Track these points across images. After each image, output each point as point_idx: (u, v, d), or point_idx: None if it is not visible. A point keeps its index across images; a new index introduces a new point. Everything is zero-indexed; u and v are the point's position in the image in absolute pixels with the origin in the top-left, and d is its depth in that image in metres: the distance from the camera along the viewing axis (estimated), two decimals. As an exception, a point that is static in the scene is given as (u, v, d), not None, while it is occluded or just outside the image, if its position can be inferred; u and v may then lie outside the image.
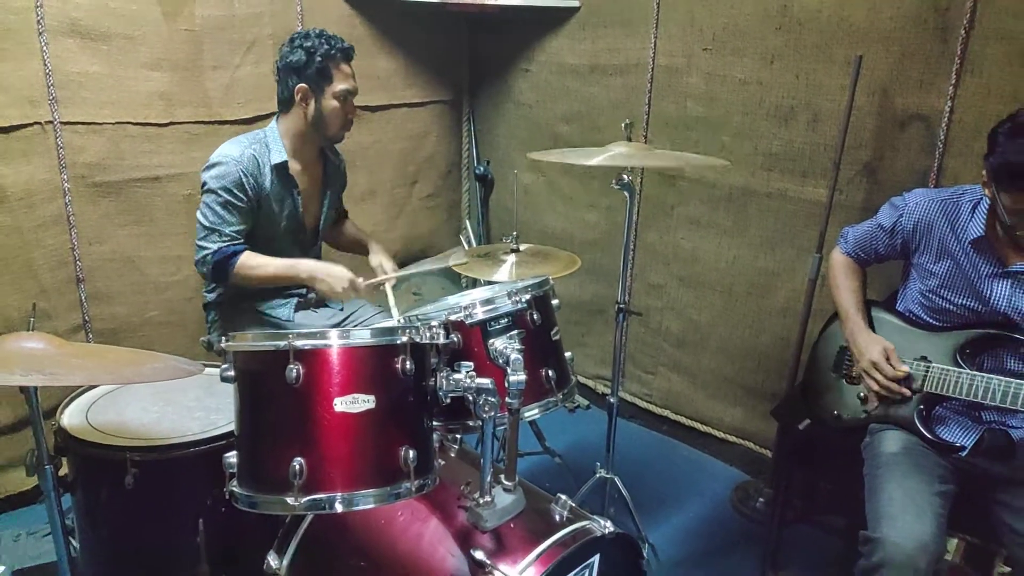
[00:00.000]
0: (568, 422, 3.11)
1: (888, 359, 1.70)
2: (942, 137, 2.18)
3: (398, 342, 1.30)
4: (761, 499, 2.57)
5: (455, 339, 1.49)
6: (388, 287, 2.07)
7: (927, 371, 1.69)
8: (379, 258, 2.26)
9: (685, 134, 2.73)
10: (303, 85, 2.00)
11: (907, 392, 1.69)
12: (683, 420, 3.05)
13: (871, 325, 1.84)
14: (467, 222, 3.49)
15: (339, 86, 2.01)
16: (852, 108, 2.23)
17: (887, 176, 2.30)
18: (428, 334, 1.37)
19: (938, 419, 1.73)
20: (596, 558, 1.50)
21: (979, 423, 1.69)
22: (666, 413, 3.10)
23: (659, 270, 2.98)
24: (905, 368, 1.69)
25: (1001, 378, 1.56)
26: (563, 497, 1.53)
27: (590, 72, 2.98)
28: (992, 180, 1.49)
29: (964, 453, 1.67)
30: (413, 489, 1.31)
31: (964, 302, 1.66)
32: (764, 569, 2.28)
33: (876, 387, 1.72)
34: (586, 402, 3.25)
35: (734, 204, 2.69)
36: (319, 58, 1.97)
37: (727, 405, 2.89)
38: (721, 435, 2.93)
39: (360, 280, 2.00)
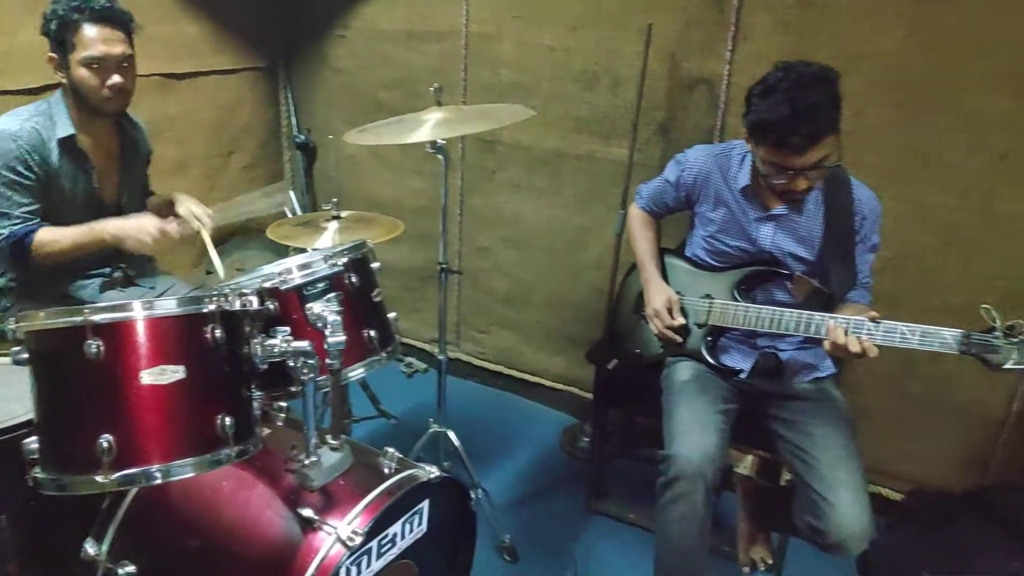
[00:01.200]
0: (406, 386, 3.19)
1: (670, 310, 1.91)
2: (723, 98, 2.43)
3: (205, 311, 1.29)
4: (586, 439, 2.78)
5: (271, 306, 1.49)
6: (205, 235, 1.99)
7: (711, 307, 1.91)
8: (187, 205, 2.06)
9: (500, 100, 2.83)
10: (51, 54, 1.86)
11: (678, 339, 1.92)
12: (515, 373, 3.21)
13: (665, 270, 2.04)
14: (291, 192, 3.42)
15: (82, 53, 1.83)
16: (646, 73, 2.43)
17: (679, 135, 2.53)
18: (239, 302, 1.36)
19: (722, 348, 1.96)
20: (425, 503, 1.58)
21: (755, 349, 1.94)
22: (500, 368, 3.25)
23: (485, 233, 3.09)
24: (680, 320, 1.91)
25: (771, 308, 1.80)
26: (391, 450, 1.59)
27: (407, 38, 3.00)
28: (749, 136, 1.70)
29: (743, 375, 1.91)
30: (233, 455, 1.31)
31: (738, 244, 1.89)
32: (588, 501, 2.48)
33: (656, 332, 1.93)
34: (424, 366, 3.33)
35: (549, 167, 2.84)
36: (55, 24, 1.81)
37: (553, 355, 3.07)
38: (549, 383, 3.12)
39: (173, 225, 1.91)
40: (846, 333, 1.60)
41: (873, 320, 1.59)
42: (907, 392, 2.41)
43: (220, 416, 1.30)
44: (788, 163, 1.65)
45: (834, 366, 1.96)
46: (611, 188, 2.69)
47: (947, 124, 2.14)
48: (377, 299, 1.69)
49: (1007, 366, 1.45)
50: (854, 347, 1.58)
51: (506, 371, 3.23)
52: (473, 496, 1.74)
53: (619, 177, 2.60)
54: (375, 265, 1.72)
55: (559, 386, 3.10)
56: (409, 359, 3.36)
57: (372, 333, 1.62)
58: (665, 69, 2.49)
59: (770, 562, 2.26)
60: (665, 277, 2.03)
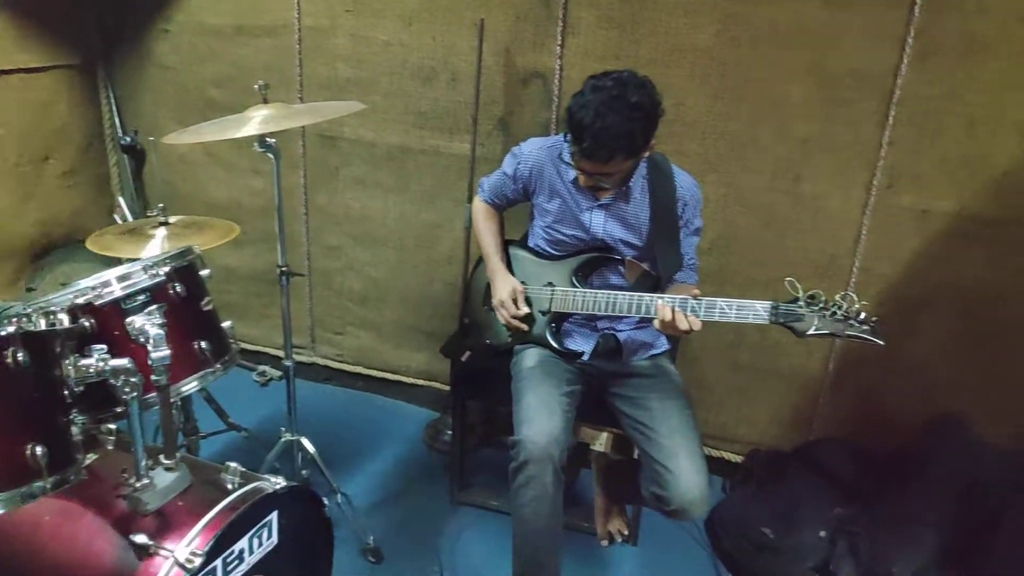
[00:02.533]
0: (261, 396, 3.06)
1: (515, 300, 1.96)
2: (556, 92, 2.50)
3: (3, 333, 1.19)
4: (449, 432, 2.80)
5: (86, 323, 1.39)
6: None
7: (552, 294, 1.97)
8: None
9: (339, 95, 2.78)
10: None
11: (525, 327, 1.97)
12: (375, 373, 3.17)
13: (510, 261, 2.09)
14: (120, 198, 3.19)
15: None
16: (482, 68, 2.46)
17: (517, 129, 2.59)
18: (44, 321, 1.26)
19: (565, 333, 2.04)
20: (273, 515, 1.53)
21: (595, 331, 2.03)
22: (359, 369, 3.20)
23: (333, 231, 3.02)
24: (525, 308, 1.97)
25: (607, 292, 1.88)
26: (233, 464, 1.54)
27: (236, 33, 2.86)
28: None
29: (585, 357, 1.99)
30: (48, 486, 1.22)
31: (573, 233, 1.96)
32: (452, 493, 2.51)
33: (503, 321, 1.98)
34: (278, 373, 3.20)
35: (394, 162, 2.82)
36: None
37: (412, 352, 3.06)
38: (410, 380, 3.11)
39: None
40: (673, 311, 1.70)
41: (696, 298, 1.70)
42: (739, 362, 2.60)
43: (30, 446, 1.20)
44: (583, 167, 1.76)
45: (668, 343, 2.09)
46: (457, 183, 2.71)
47: (758, 113, 2.32)
48: (207, 308, 1.62)
49: (810, 332, 1.60)
50: (681, 324, 1.69)
51: (365, 371, 3.19)
52: (327, 502, 1.71)
53: (464, 171, 2.63)
54: (204, 272, 1.64)
55: (420, 382, 3.09)
56: (262, 367, 3.22)
57: (203, 344, 1.55)
58: (501, 64, 2.53)
59: (626, 533, 2.38)
60: (511, 268, 2.08)
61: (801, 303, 1.61)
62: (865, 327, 1.57)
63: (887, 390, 2.45)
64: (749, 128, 2.34)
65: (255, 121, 1.81)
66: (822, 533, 2.22)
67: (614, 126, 1.64)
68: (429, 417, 2.98)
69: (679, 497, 1.75)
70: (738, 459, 2.68)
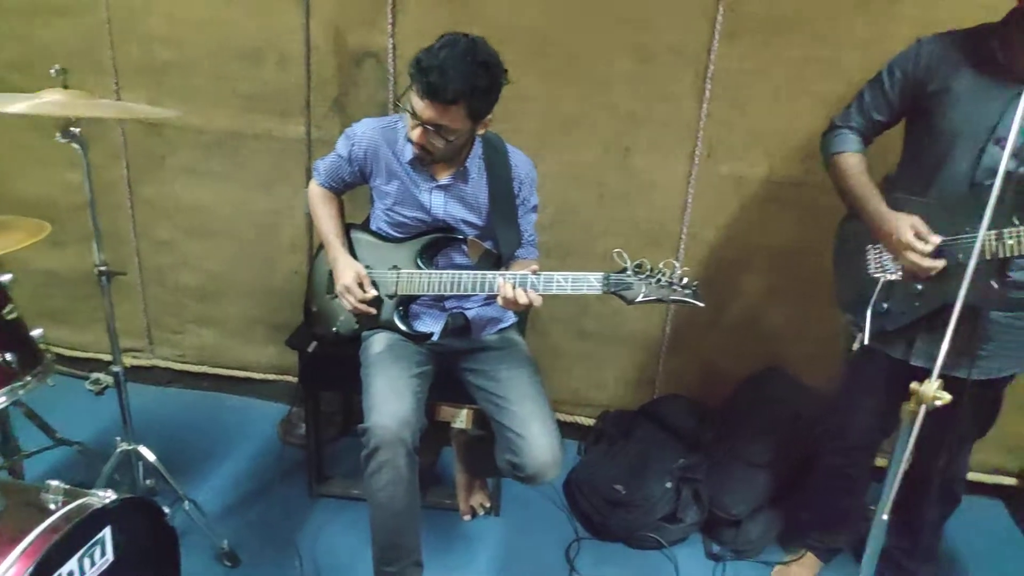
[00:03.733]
0: (97, 405, 2.82)
1: (361, 284, 1.93)
2: (391, 71, 2.47)
3: None
4: (304, 425, 2.72)
5: None
6: None
7: (398, 277, 1.96)
8: None
9: (159, 79, 2.60)
10: None
11: (373, 311, 1.95)
12: (222, 372, 3.03)
13: (352, 246, 2.05)
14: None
15: None
16: (311, 47, 2.38)
17: (354, 110, 2.53)
18: None
19: (414, 315, 2.03)
20: (106, 531, 1.44)
21: (444, 311, 2.04)
22: (204, 369, 3.04)
23: (164, 225, 2.84)
24: (372, 292, 1.94)
25: (452, 272, 1.89)
26: (54, 483, 1.43)
27: (33, 13, 2.60)
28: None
29: (435, 338, 2.00)
30: None
31: (414, 215, 1.96)
32: (310, 487, 2.45)
33: (350, 308, 1.95)
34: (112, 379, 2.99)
35: (225, 149, 2.68)
36: None
37: (260, 346, 2.95)
38: (261, 376, 3.00)
39: None
40: (514, 287, 1.74)
41: (535, 273, 1.75)
42: (585, 330, 2.71)
43: None
44: (421, 114, 1.72)
45: (516, 316, 2.14)
46: (294, 167, 2.62)
47: (586, 90, 2.40)
48: (11, 317, 1.48)
49: (639, 299, 1.69)
50: (522, 299, 1.73)
51: (211, 371, 3.04)
52: (168, 511, 1.63)
53: (301, 156, 2.55)
54: (5, 278, 1.49)
55: (272, 377, 2.99)
56: (95, 375, 2.98)
57: (8, 356, 1.42)
58: (331, 43, 2.46)
59: (488, 505, 2.43)
60: (353, 253, 2.04)
61: (629, 272, 1.69)
62: (687, 291, 1.67)
63: (717, 346, 2.65)
64: (578, 105, 2.42)
65: (33, 103, 1.65)
66: (668, 484, 2.37)
67: (462, 68, 1.66)
68: (283, 412, 2.89)
69: (533, 462, 1.81)
70: (591, 422, 2.80)
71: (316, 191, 2.10)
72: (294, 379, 2.93)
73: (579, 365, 2.78)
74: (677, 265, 1.68)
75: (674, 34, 2.30)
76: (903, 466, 1.38)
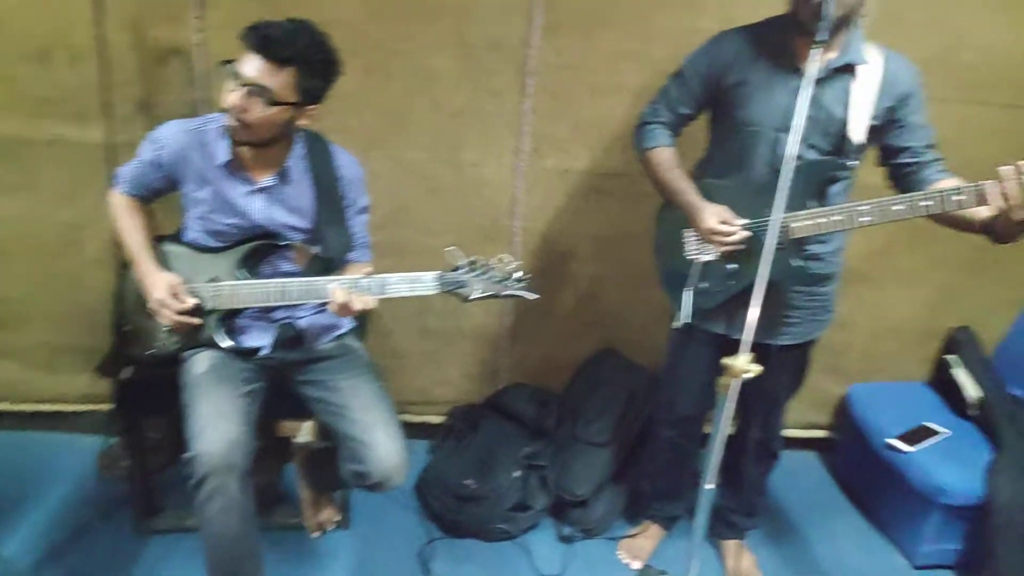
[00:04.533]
0: None
1: (176, 295, 1.79)
2: (200, 69, 2.31)
3: None
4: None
5: None
6: None
7: (219, 290, 1.84)
8: None
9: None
10: None
11: (195, 322, 1.82)
12: (26, 407, 2.70)
13: (165, 259, 1.90)
14: None
15: None
16: (104, 43, 2.17)
17: (162, 111, 2.33)
18: None
19: (240, 329, 1.92)
20: None
21: (273, 322, 1.94)
22: (4, 406, 2.71)
23: (-59, 247, 2.49)
24: (191, 300, 1.80)
25: (278, 281, 1.80)
26: None
27: None
28: None
29: (265, 352, 1.90)
30: None
31: (232, 221, 1.84)
32: (139, 523, 2.26)
33: (169, 324, 1.80)
34: None
35: (14, 158, 2.38)
36: None
37: (70, 375, 2.66)
38: (73, 408, 2.71)
39: None
40: (347, 293, 1.69)
41: (367, 276, 1.71)
42: (428, 328, 2.69)
43: None
44: (244, 71, 1.62)
45: (354, 320, 2.08)
46: (97, 176, 2.37)
47: (411, 86, 2.37)
48: None
49: (474, 296, 1.70)
50: (356, 305, 1.68)
51: (13, 408, 2.70)
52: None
53: (101, 163, 2.32)
54: None
55: (86, 408, 2.71)
56: None
57: None
58: (129, 40, 2.26)
59: (338, 519, 2.36)
60: (166, 267, 1.88)
61: (464, 269, 1.69)
62: (520, 284, 1.70)
63: (555, 333, 2.72)
64: (404, 101, 2.39)
65: None
66: (516, 473, 2.41)
67: (303, 34, 1.63)
68: (101, 445, 2.63)
69: (378, 468, 1.78)
70: (441, 420, 2.79)
71: (119, 201, 1.92)
72: (110, 407, 2.69)
73: (424, 363, 2.76)
74: (509, 259, 1.70)
75: (493, 28, 2.32)
76: (723, 436, 1.48)
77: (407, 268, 1.74)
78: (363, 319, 2.18)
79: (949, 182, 1.68)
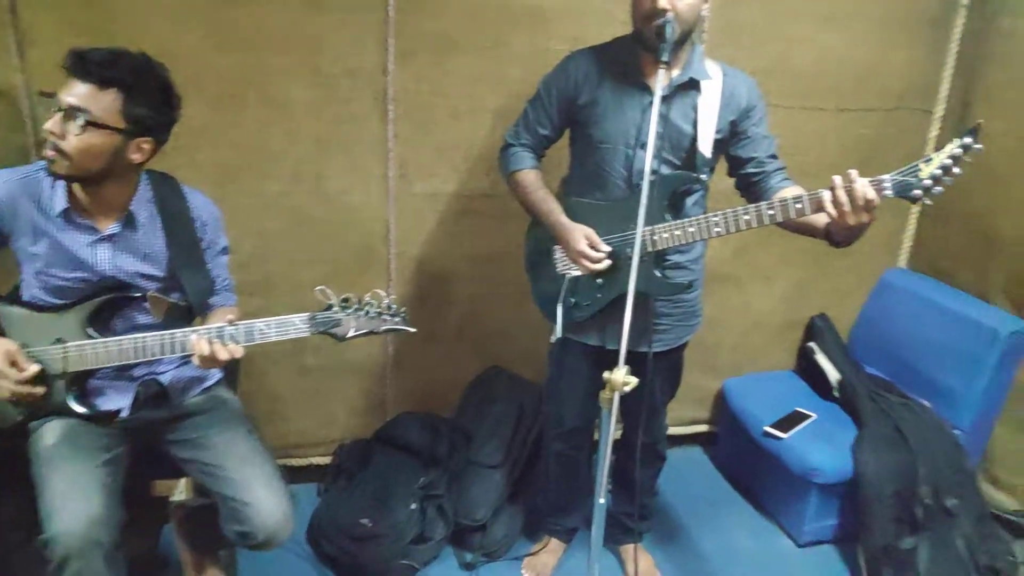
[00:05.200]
0: None
1: (15, 363, 1.62)
2: (27, 112, 2.12)
3: None
4: (-25, 542, 2.24)
5: None
6: None
7: (66, 352, 1.68)
8: None
9: None
10: None
11: (39, 391, 1.65)
12: None
13: (0, 323, 1.71)
14: None
15: None
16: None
17: (-14, 160, 2.13)
18: None
19: (95, 392, 1.76)
20: None
21: (133, 380, 1.79)
22: None
23: None
24: (33, 368, 1.63)
25: (133, 336, 1.66)
26: None
27: None
28: None
29: (125, 413, 1.75)
30: None
31: (74, 275, 1.68)
32: (-8, 616, 2.03)
33: (6, 394, 1.62)
34: None
35: None
36: None
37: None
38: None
39: None
40: (210, 343, 1.59)
41: (232, 324, 1.61)
42: (306, 366, 2.59)
43: None
44: (61, 93, 1.53)
45: (221, 371, 1.96)
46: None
47: (267, 116, 2.27)
48: None
49: (350, 335, 1.64)
50: (221, 355, 1.58)
51: None
52: None
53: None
54: None
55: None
56: None
57: None
58: (-61, 83, 2.04)
59: (224, 579, 2.21)
60: (1, 333, 1.70)
61: (336, 308, 1.63)
62: (397, 318, 1.66)
63: (440, 357, 2.69)
64: (260, 133, 2.29)
65: None
66: (413, 506, 2.36)
67: (129, 59, 1.54)
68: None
69: (262, 528, 1.68)
70: (327, 460, 2.69)
71: (-62, 263, 1.72)
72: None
73: (306, 403, 2.65)
74: (384, 294, 1.66)
75: (349, 56, 2.27)
76: (609, 451, 1.49)
77: (278, 306, 1.66)
78: (233, 366, 2.06)
79: (792, 190, 1.79)
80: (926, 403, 2.56)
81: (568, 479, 2.31)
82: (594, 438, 2.28)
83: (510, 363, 2.72)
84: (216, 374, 1.94)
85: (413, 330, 1.68)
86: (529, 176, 1.96)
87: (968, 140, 1.49)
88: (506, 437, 2.50)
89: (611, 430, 1.49)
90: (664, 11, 1.64)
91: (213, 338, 1.60)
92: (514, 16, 2.32)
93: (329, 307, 1.64)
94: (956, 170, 1.49)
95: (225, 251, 1.90)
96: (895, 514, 2.29)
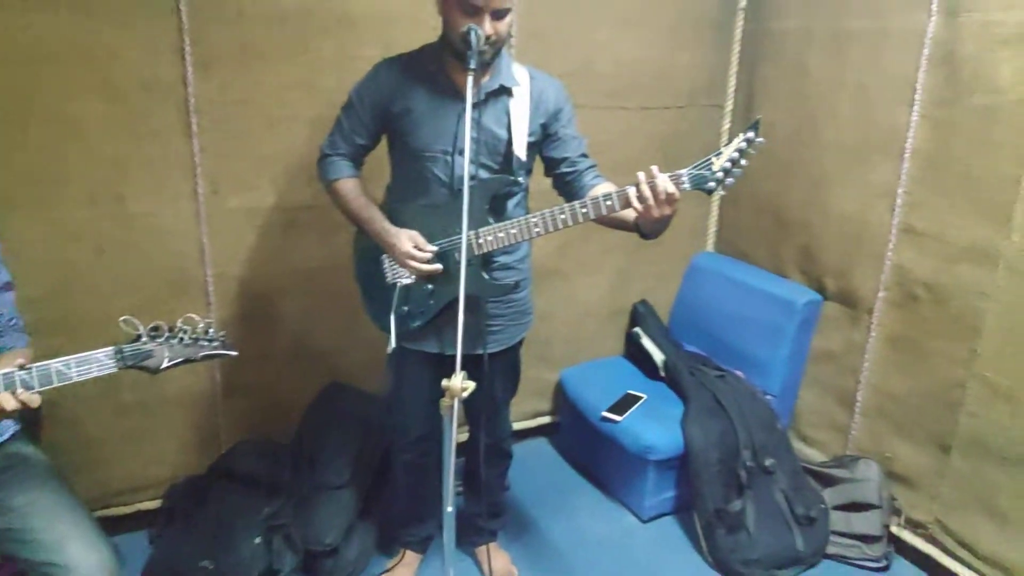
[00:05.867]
0: None
1: None
2: None
3: None
4: None
5: None
6: None
7: None
8: None
9: None
10: None
11: None
12: None
13: None
14: None
15: None
16: None
17: None
18: None
19: None
20: None
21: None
22: None
23: None
24: None
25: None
26: None
27: None
28: None
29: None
30: None
31: None
32: None
33: None
34: None
35: None
36: None
37: None
38: None
39: None
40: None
41: (23, 368, 1.44)
42: (124, 404, 2.37)
43: None
44: None
45: (17, 423, 1.75)
46: None
47: (56, 136, 2.07)
48: None
49: (164, 366, 1.52)
50: (9, 405, 1.41)
51: None
52: None
53: None
54: None
55: None
56: None
57: None
58: None
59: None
60: None
61: (145, 339, 1.51)
62: (216, 343, 1.56)
63: (276, 377, 2.57)
64: (49, 154, 2.07)
65: None
66: (257, 539, 2.23)
67: None
68: None
69: (84, 588, 1.52)
70: (156, 503, 2.48)
71: None
72: None
73: (127, 445, 2.42)
74: (197, 318, 1.56)
75: (143, 67, 2.11)
76: (453, 456, 1.50)
77: (82, 345, 1.50)
78: (32, 416, 1.85)
79: (603, 187, 1.88)
80: (739, 373, 2.80)
81: (418, 488, 2.29)
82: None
83: (351, 377, 2.65)
84: (9, 427, 1.73)
85: (234, 353, 1.59)
86: (348, 185, 1.92)
87: (751, 134, 1.64)
88: (352, 454, 2.43)
89: (453, 437, 1.49)
90: (486, 36, 1.67)
91: (3, 387, 1.42)
92: (321, 23, 2.27)
93: (138, 338, 1.51)
94: (744, 162, 1.64)
95: (8, 287, 1.70)
96: (723, 479, 2.48)
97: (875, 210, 2.47)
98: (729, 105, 3.02)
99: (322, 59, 2.29)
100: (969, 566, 2.28)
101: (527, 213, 1.90)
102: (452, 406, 1.47)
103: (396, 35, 2.25)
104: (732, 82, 3.00)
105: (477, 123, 1.78)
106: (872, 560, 2.41)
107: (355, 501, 2.39)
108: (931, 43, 2.23)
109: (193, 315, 1.55)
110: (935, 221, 2.28)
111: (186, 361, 1.55)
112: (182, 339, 1.54)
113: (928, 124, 2.27)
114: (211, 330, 1.57)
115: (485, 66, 1.75)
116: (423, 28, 2.21)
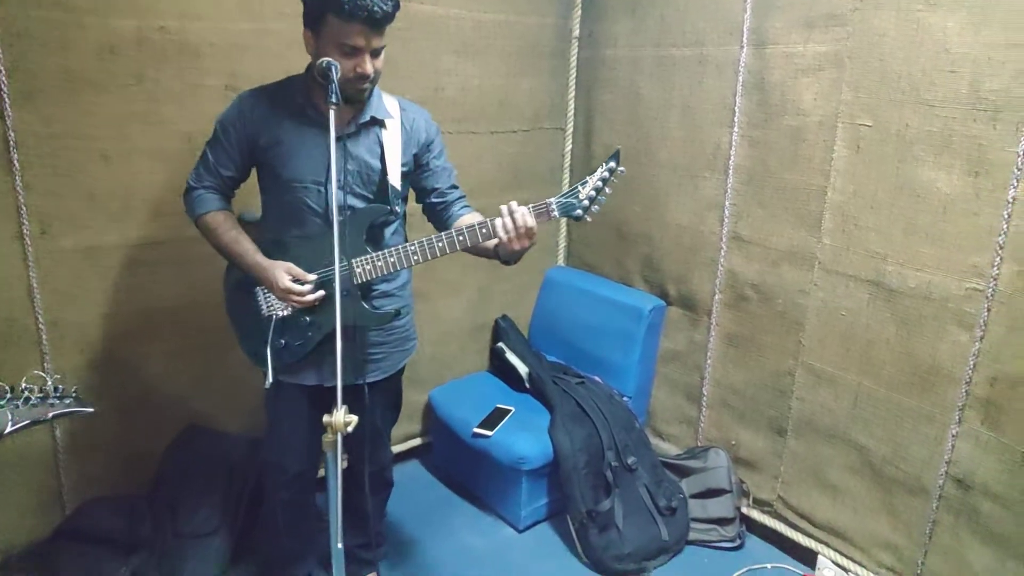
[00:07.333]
0: None
1: None
2: None
3: None
4: None
5: None
6: None
7: None
8: None
9: None
10: None
11: None
12: None
13: None
14: None
15: None
16: None
17: None
18: None
19: None
20: None
21: None
22: None
23: None
24: None
25: None
26: None
27: None
28: None
29: None
30: None
31: None
32: None
33: None
34: None
35: None
36: None
37: None
38: None
39: None
40: None
41: None
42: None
43: None
44: None
45: None
46: None
47: None
48: None
49: (9, 430, 1.40)
50: None
51: None
52: None
53: None
54: None
55: None
56: None
57: None
58: None
59: None
60: None
61: (-15, 402, 1.38)
62: (68, 399, 1.46)
63: (130, 426, 2.39)
64: None
65: None
66: (118, 602, 2.08)
67: None
68: None
69: None
70: (-6, 578, 2.23)
71: None
72: None
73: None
74: (44, 375, 1.45)
75: (-48, 100, 1.91)
76: (340, 494, 1.48)
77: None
78: None
79: (471, 217, 1.97)
80: (598, 378, 2.97)
81: (298, 525, 2.22)
82: (319, 476, 2.23)
83: (209, 419, 2.52)
84: None
85: (91, 410, 1.49)
86: (218, 218, 1.85)
87: (612, 164, 1.77)
88: (218, 498, 2.32)
89: (339, 474, 1.48)
90: (367, 75, 1.69)
91: None
92: (159, 52, 2.15)
93: (-26, 403, 1.38)
94: (608, 190, 1.77)
95: None
96: (591, 481, 2.61)
97: (707, 221, 2.71)
98: (570, 128, 3.19)
99: (161, 89, 2.17)
100: (810, 536, 2.56)
101: (405, 240, 1.92)
102: (335, 442, 1.46)
103: (243, 65, 2.19)
104: (571, 106, 3.18)
105: (350, 154, 1.79)
106: (728, 541, 2.64)
107: (227, 547, 2.28)
108: (744, 71, 2.49)
109: (39, 372, 1.45)
110: (758, 229, 2.55)
111: (33, 423, 1.43)
112: (28, 399, 1.42)
113: (747, 143, 2.53)
114: (60, 387, 1.46)
115: (361, 102, 1.76)
116: (269, 57, 2.17)
